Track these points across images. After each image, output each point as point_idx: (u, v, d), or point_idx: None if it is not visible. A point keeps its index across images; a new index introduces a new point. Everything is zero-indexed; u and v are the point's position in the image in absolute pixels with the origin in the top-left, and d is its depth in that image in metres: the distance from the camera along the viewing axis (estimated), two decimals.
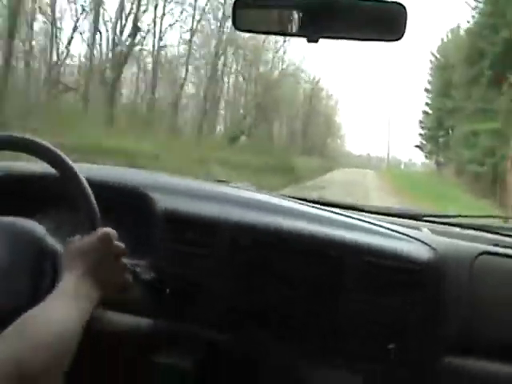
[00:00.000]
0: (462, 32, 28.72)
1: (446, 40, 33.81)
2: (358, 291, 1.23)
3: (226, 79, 25.20)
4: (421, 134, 36.91)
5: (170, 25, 20.91)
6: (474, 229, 1.52)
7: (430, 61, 35.69)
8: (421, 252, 1.27)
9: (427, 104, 36.37)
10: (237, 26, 1.19)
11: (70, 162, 1.11)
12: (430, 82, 35.99)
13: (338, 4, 1.10)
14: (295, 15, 1.13)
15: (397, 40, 1.09)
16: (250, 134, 24.33)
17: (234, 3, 1.19)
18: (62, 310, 0.89)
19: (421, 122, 37.11)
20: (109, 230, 1.05)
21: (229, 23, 20.33)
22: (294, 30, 1.13)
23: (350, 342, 1.24)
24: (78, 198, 1.09)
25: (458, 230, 1.53)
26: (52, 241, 1.12)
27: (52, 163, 1.10)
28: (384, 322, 1.22)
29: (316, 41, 1.11)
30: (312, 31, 1.10)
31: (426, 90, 36.48)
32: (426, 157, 38.78)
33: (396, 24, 1.09)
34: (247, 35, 19.10)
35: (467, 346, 1.23)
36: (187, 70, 22.31)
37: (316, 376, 1.26)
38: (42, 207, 1.29)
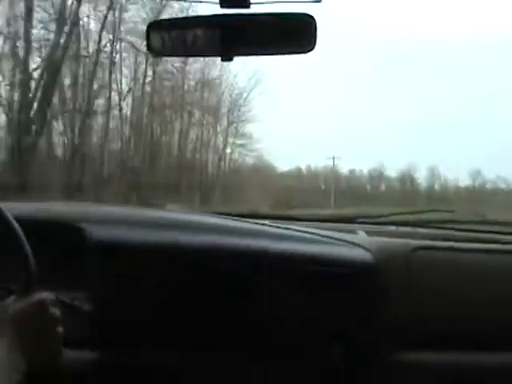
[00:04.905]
0: None
1: None
2: (298, 300, 1.25)
3: None
4: None
5: None
6: (409, 225, 1.57)
7: None
8: (355, 255, 1.29)
9: None
10: (151, 51, 1.19)
11: None
12: None
13: (249, 21, 1.11)
14: (208, 36, 1.14)
15: (309, 51, 1.11)
16: None
17: (148, 27, 1.19)
18: None
19: None
20: (45, 295, 0.99)
21: None
22: (208, 50, 1.14)
23: (295, 350, 1.25)
24: (11, 245, 1.05)
25: (392, 228, 1.57)
26: None
27: None
28: (327, 327, 1.24)
29: (231, 59, 1.13)
30: (226, 50, 1.11)
31: None
32: None
33: (307, 35, 1.12)
34: None
35: (414, 340, 1.26)
36: None
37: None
38: None
